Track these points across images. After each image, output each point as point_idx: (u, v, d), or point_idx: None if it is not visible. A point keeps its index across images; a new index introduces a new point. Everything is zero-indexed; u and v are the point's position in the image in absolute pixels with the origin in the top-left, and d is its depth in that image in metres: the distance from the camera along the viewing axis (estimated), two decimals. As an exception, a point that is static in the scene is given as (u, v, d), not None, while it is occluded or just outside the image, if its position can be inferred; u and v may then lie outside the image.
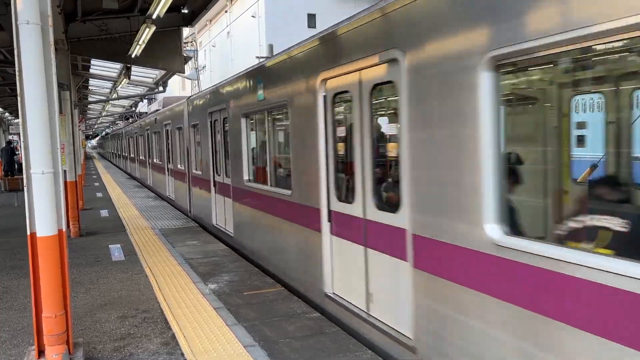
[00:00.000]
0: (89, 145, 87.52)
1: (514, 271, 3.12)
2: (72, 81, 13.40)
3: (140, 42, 11.59)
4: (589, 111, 5.41)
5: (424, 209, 3.92)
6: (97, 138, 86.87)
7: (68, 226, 10.32)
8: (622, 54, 3.92)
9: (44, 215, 4.17)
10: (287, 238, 6.67)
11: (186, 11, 12.99)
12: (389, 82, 4.39)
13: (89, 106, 34.52)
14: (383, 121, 5.77)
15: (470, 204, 3.41)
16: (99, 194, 19.10)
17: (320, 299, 5.76)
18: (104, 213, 14.09)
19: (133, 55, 12.85)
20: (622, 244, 3.23)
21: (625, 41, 2.61)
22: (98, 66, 19.50)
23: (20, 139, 6.99)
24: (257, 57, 25.23)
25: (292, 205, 6.40)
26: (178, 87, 43.69)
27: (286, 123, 6.89)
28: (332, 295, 5.52)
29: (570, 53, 3.03)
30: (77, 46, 12.94)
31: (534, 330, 3.02)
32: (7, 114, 33.19)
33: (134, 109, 35.16)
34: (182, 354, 4.63)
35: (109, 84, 23.67)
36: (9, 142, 24.18)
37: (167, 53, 14.13)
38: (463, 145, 3.46)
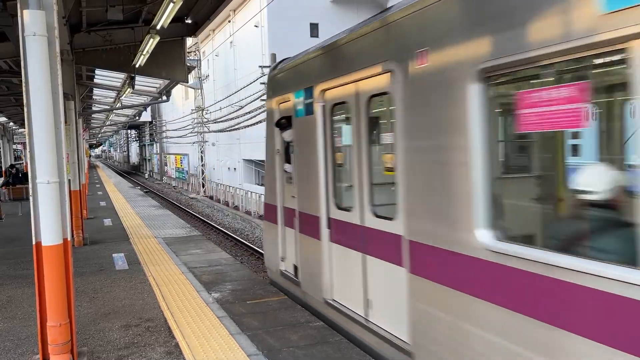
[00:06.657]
0: (93, 154, 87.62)
1: None
2: (77, 91, 13.49)
3: (144, 52, 11.67)
4: None
5: None
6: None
7: (72, 235, 10.34)
8: None
9: (49, 224, 4.21)
10: None
11: (190, 22, 13.09)
12: None
13: (92, 115, 34.66)
14: None
15: None
16: (103, 203, 19.15)
17: None
18: (108, 222, 14.13)
19: (137, 65, 12.94)
20: None
21: None
22: (102, 76, 19.60)
23: (25, 148, 7.02)
24: (260, 66, 25.38)
25: None
26: (181, 96, 43.87)
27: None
28: None
29: None
30: (82, 56, 13.03)
31: None
32: (11, 123, 33.33)
33: (137, 118, 35.33)
34: (186, 363, 4.64)
35: (113, 94, 23.79)
36: (12, 166, 23.72)
37: (171, 63, 14.22)
38: None
